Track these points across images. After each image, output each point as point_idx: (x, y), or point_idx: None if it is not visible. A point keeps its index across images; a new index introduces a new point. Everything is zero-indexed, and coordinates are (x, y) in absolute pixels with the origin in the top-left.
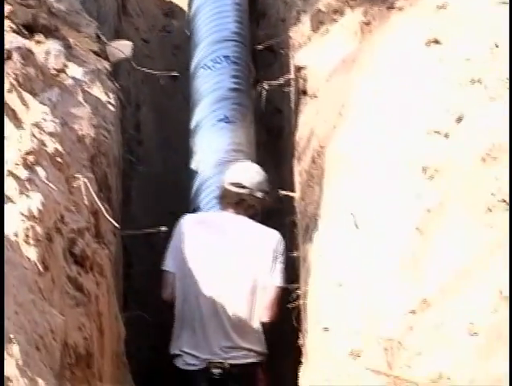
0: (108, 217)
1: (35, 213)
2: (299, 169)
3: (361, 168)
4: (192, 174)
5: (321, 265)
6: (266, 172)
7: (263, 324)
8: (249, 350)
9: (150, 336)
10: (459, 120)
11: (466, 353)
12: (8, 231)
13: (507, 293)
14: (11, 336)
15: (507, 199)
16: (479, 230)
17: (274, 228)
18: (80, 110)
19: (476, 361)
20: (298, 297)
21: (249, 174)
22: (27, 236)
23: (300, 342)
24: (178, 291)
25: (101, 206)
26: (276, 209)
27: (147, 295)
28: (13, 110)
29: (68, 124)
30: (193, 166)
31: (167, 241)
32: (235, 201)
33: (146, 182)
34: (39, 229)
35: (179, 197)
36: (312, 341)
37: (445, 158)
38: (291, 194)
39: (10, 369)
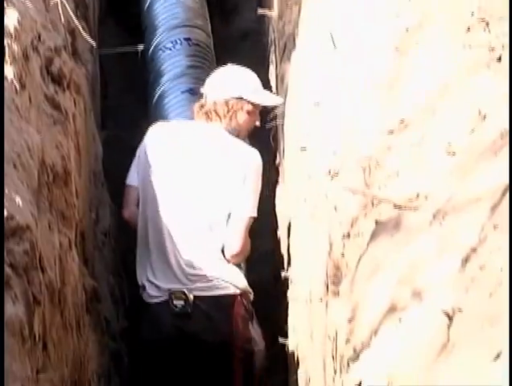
0: (85, 35)
1: (12, 31)
2: None
3: None
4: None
5: (298, 85)
6: None
7: (235, 256)
8: (220, 280)
9: (127, 155)
10: None
11: (443, 172)
12: None
13: (487, 112)
14: None
15: (486, 19)
16: (458, 50)
17: (252, 49)
18: None
19: (454, 180)
20: (275, 116)
21: (227, 76)
22: (3, 54)
23: (277, 161)
24: (140, 211)
25: (77, 24)
26: (253, 29)
27: (124, 114)
28: None
29: None
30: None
31: (143, 61)
32: (205, 107)
33: None
34: (15, 47)
35: None
36: (289, 161)
37: None
38: (268, 13)
39: None
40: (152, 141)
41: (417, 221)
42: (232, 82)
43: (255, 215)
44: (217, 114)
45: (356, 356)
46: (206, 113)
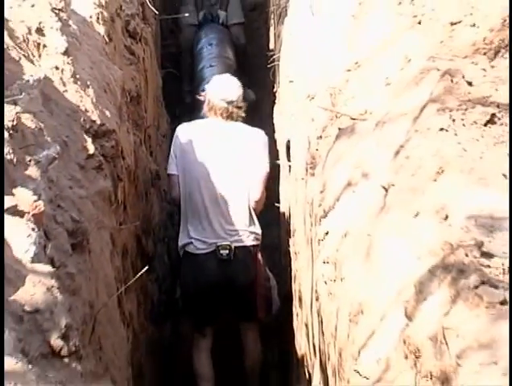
0: (150, 7)
1: (103, 2)
2: None
3: None
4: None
5: (289, 40)
6: None
7: (256, 202)
8: (250, 232)
9: (177, 85)
10: None
11: (383, 97)
12: (85, 14)
13: (411, 57)
14: (88, 83)
15: None
16: (393, 17)
17: (259, 16)
18: None
19: (389, 102)
20: (273, 60)
21: (234, 90)
22: (98, 18)
23: (275, 89)
24: (182, 190)
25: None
26: (260, 3)
27: (175, 59)
28: None
29: None
30: None
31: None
32: (225, 113)
33: None
34: (105, 13)
35: None
36: (282, 89)
37: None
38: None
39: (88, 109)
40: (184, 135)
41: (365, 128)
42: (238, 91)
43: (269, 170)
44: (232, 113)
45: (325, 215)
46: (222, 113)
